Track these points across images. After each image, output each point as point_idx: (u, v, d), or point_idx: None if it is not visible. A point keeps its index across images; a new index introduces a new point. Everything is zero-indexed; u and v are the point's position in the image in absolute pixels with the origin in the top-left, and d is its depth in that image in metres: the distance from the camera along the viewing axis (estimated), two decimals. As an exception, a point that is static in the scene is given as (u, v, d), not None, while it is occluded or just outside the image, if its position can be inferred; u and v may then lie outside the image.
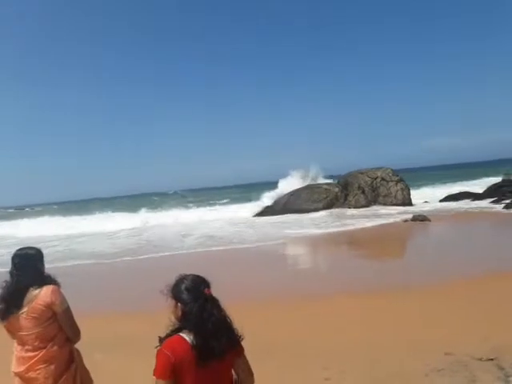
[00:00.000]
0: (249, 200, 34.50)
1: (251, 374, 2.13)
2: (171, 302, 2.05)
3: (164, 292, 2.07)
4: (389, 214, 21.25)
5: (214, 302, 2.03)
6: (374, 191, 26.75)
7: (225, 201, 44.95)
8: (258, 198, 31.78)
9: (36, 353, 2.75)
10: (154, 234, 20.29)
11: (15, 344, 2.83)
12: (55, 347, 2.79)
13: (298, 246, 15.32)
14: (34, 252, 2.91)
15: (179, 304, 2.02)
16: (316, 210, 25.71)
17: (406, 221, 17.88)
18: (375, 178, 27.02)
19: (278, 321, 6.61)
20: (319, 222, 20.37)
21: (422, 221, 17.33)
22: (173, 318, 2.05)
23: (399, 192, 26.28)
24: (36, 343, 2.75)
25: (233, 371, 2.11)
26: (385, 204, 25.60)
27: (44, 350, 2.75)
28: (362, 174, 27.65)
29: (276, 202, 29.13)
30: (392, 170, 27.51)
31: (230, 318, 2.07)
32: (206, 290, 2.04)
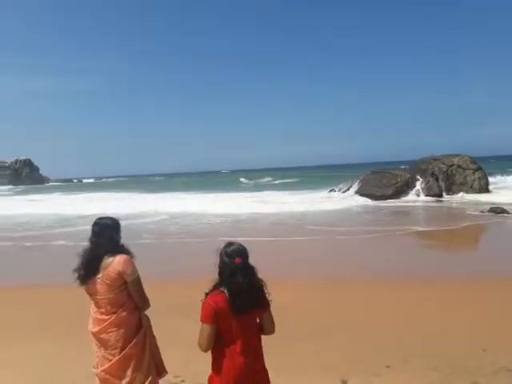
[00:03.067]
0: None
1: (273, 326, 2.60)
2: (218, 261, 2.51)
3: (216, 251, 2.54)
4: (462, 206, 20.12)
5: (244, 269, 2.43)
6: (448, 179, 25.36)
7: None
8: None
9: (108, 316, 2.98)
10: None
11: (92, 305, 3.09)
12: (125, 313, 3.00)
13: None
14: (110, 222, 3.11)
15: (219, 264, 2.49)
16: (383, 196, 24.89)
17: (482, 212, 16.83)
18: (451, 165, 25.57)
19: (346, 302, 6.64)
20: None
21: (498, 213, 16.20)
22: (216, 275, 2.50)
23: (476, 181, 24.73)
24: (108, 307, 2.98)
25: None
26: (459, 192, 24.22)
27: (115, 315, 2.97)
28: (436, 160, 26.29)
29: (343, 186, 28.72)
30: (471, 157, 25.83)
31: (261, 283, 2.51)
32: (238, 259, 2.43)
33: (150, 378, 3.04)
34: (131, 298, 3.02)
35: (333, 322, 5.69)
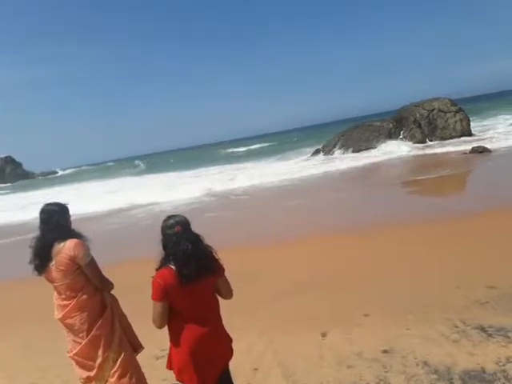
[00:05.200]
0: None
1: (230, 292, 2.62)
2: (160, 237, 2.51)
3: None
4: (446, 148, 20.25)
5: (186, 235, 2.42)
6: (430, 124, 25.32)
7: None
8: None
9: (69, 301, 3.00)
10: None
11: (54, 293, 3.09)
12: (85, 296, 3.00)
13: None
14: (57, 208, 3.06)
15: (162, 238, 2.48)
16: (367, 149, 24.94)
17: (464, 153, 16.93)
18: (432, 110, 25.45)
19: (319, 257, 6.75)
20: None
21: (481, 152, 16.31)
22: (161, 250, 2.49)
23: (458, 123, 24.72)
24: (68, 293, 2.99)
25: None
26: (442, 138, 24.25)
27: (75, 299, 2.98)
28: (417, 106, 26.13)
29: (326, 144, 28.58)
30: (450, 99, 25.73)
31: (210, 249, 2.51)
32: (177, 227, 2.42)
33: (122, 355, 3.08)
34: (90, 281, 3.02)
35: (310, 279, 5.79)
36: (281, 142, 56.62)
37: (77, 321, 2.99)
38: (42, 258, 2.93)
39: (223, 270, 2.59)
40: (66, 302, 2.99)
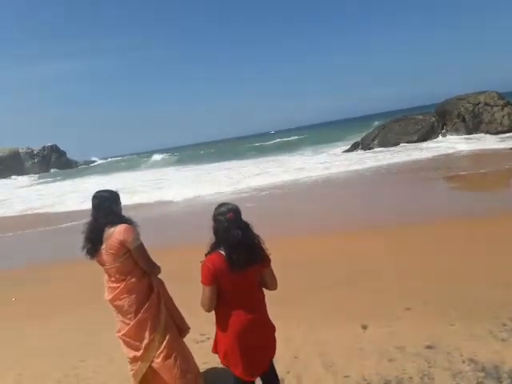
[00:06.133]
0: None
1: (275, 282, 2.66)
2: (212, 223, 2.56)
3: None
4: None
5: (237, 224, 2.46)
6: (475, 118, 24.35)
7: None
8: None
9: (119, 284, 3.11)
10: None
11: (105, 275, 3.23)
12: (133, 279, 3.11)
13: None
14: (108, 194, 3.19)
15: (213, 225, 2.53)
16: (409, 143, 24.35)
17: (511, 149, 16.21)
18: (477, 104, 24.44)
19: (364, 249, 6.69)
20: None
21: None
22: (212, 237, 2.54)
23: (505, 117, 23.61)
24: (117, 275, 3.11)
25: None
26: (488, 132, 23.27)
27: (124, 282, 3.10)
28: (461, 99, 25.16)
29: (365, 138, 28.04)
30: (497, 92, 24.60)
31: (258, 238, 2.54)
32: (229, 214, 2.47)
33: (167, 337, 3.19)
34: (138, 265, 3.12)
35: (351, 271, 5.74)
36: (310, 135, 55.64)
37: (125, 303, 3.10)
38: (93, 242, 3.06)
39: (269, 260, 2.62)
40: (115, 285, 3.11)
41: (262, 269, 2.57)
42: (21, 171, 75.02)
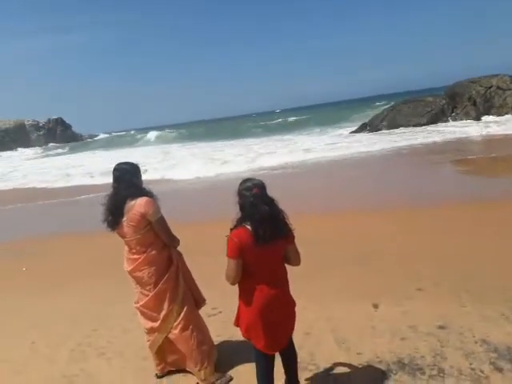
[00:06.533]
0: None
1: (298, 258, 2.68)
2: (237, 200, 2.56)
3: (235, 192, 2.59)
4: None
5: (263, 199, 2.47)
6: (486, 102, 24.03)
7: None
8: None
9: (139, 256, 3.14)
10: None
11: (125, 247, 3.25)
12: (154, 252, 3.14)
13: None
14: (129, 167, 3.18)
15: (239, 200, 2.53)
16: (417, 125, 24.10)
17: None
18: (489, 87, 24.10)
19: (374, 228, 6.73)
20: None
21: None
22: (238, 212, 2.55)
23: (517, 102, 23.28)
24: (138, 247, 3.13)
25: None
26: (499, 115, 22.97)
27: (145, 254, 3.12)
28: (473, 83, 24.81)
29: (373, 119, 27.77)
30: (511, 76, 24.17)
31: (283, 213, 2.55)
32: (255, 189, 2.47)
33: (185, 309, 3.23)
34: (159, 237, 3.14)
35: (363, 252, 5.76)
36: (314, 115, 54.90)
37: (145, 274, 3.13)
38: (114, 214, 3.06)
39: (293, 236, 2.63)
40: (136, 256, 3.14)
41: (286, 244, 2.58)
42: (26, 143, 75.12)
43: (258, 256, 2.48)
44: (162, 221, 3.11)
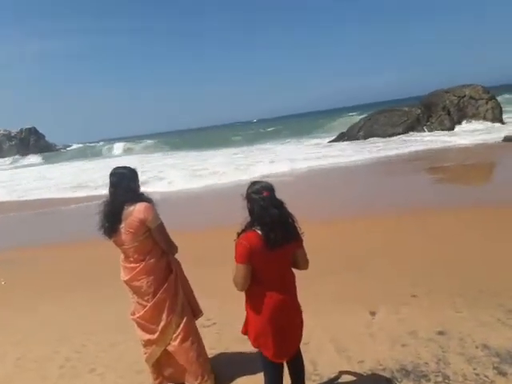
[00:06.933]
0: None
1: (307, 262, 2.62)
2: (246, 202, 2.48)
3: (242, 196, 2.50)
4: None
5: (273, 202, 2.40)
6: (459, 111, 24.70)
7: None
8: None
9: (137, 264, 3.01)
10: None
11: (121, 255, 3.11)
12: (152, 260, 3.02)
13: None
14: (127, 171, 3.05)
15: (248, 204, 2.45)
16: (393, 134, 24.51)
17: (496, 142, 16.51)
18: (463, 97, 24.81)
19: (367, 235, 6.78)
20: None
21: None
22: (247, 216, 2.47)
23: (489, 111, 24.05)
24: (136, 256, 3.00)
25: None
26: (471, 124, 23.64)
27: (143, 263, 2.99)
28: (447, 92, 25.50)
29: (351, 128, 28.14)
30: (483, 87, 24.97)
31: (292, 217, 2.48)
32: (265, 192, 2.41)
33: (184, 319, 3.12)
34: (157, 245, 3.02)
35: (358, 257, 5.77)
36: (286, 126, 55.21)
37: (144, 283, 3.01)
38: (112, 220, 2.94)
39: (302, 239, 2.56)
40: (133, 265, 3.01)
41: (295, 248, 2.52)
42: (-2, 153, 73.02)
43: (267, 261, 2.40)
44: (161, 227, 3.00)
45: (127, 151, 51.09)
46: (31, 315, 5.12)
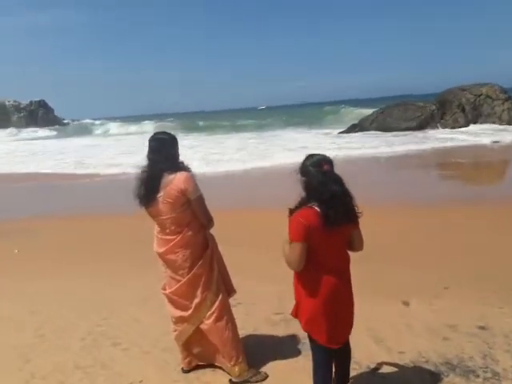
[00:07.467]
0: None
1: (362, 243, 2.42)
2: (300, 177, 2.28)
3: (295, 170, 2.30)
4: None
5: (333, 177, 2.22)
6: (475, 110, 24.31)
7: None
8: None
9: (174, 236, 2.81)
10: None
11: (156, 226, 2.92)
12: (190, 232, 2.82)
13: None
14: (168, 137, 2.87)
15: (304, 178, 2.25)
16: (407, 129, 24.17)
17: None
18: (479, 95, 24.36)
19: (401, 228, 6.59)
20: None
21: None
22: (302, 192, 2.28)
23: (505, 112, 23.62)
24: (173, 227, 2.81)
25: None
26: (486, 124, 23.27)
27: (181, 235, 2.80)
28: (463, 90, 25.00)
29: (363, 120, 27.78)
30: (500, 86, 24.53)
31: (351, 195, 2.27)
32: (326, 166, 2.21)
33: (220, 297, 2.95)
34: (196, 218, 2.83)
35: (391, 247, 5.61)
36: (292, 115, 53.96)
37: (179, 257, 2.82)
38: (149, 188, 2.74)
39: (358, 221, 2.37)
40: (170, 237, 2.82)
41: (353, 229, 2.33)
42: (6, 124, 72.22)
43: (324, 240, 2.20)
44: (201, 199, 2.81)
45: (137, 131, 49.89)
46: (47, 285, 5.00)
